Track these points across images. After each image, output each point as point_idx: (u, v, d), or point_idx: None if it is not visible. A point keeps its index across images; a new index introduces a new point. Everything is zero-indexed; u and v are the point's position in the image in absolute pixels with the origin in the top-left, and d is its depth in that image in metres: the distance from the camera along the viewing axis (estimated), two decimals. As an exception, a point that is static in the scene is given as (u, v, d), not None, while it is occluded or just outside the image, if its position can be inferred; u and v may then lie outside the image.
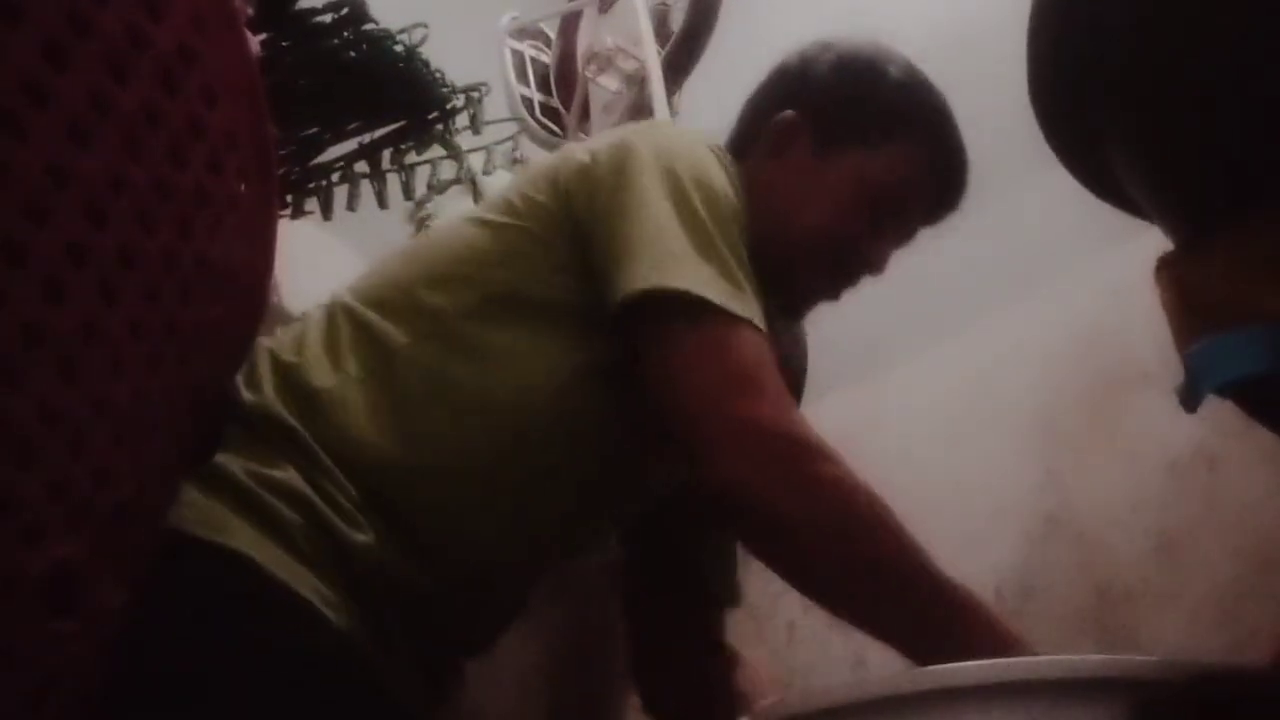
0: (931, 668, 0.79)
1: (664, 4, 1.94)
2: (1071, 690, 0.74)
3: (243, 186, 0.71)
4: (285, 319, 1.89)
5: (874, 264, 1.18)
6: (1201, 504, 1.53)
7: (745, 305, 0.97)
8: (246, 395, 0.95)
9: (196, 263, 0.67)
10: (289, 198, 1.77)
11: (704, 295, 0.94)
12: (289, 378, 0.96)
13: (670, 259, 0.96)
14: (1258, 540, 1.46)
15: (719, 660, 1.22)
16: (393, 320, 1.00)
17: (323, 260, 1.90)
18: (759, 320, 0.97)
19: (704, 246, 0.97)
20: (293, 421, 0.93)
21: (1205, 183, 0.77)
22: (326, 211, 1.81)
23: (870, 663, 1.81)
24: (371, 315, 1.01)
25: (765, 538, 0.95)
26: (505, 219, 1.05)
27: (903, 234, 1.20)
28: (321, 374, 0.97)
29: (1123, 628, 1.56)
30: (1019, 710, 0.74)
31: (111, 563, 0.67)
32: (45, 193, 0.57)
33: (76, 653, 0.66)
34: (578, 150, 1.08)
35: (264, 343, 1.02)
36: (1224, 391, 0.76)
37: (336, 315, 1.03)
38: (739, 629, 1.37)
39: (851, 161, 1.15)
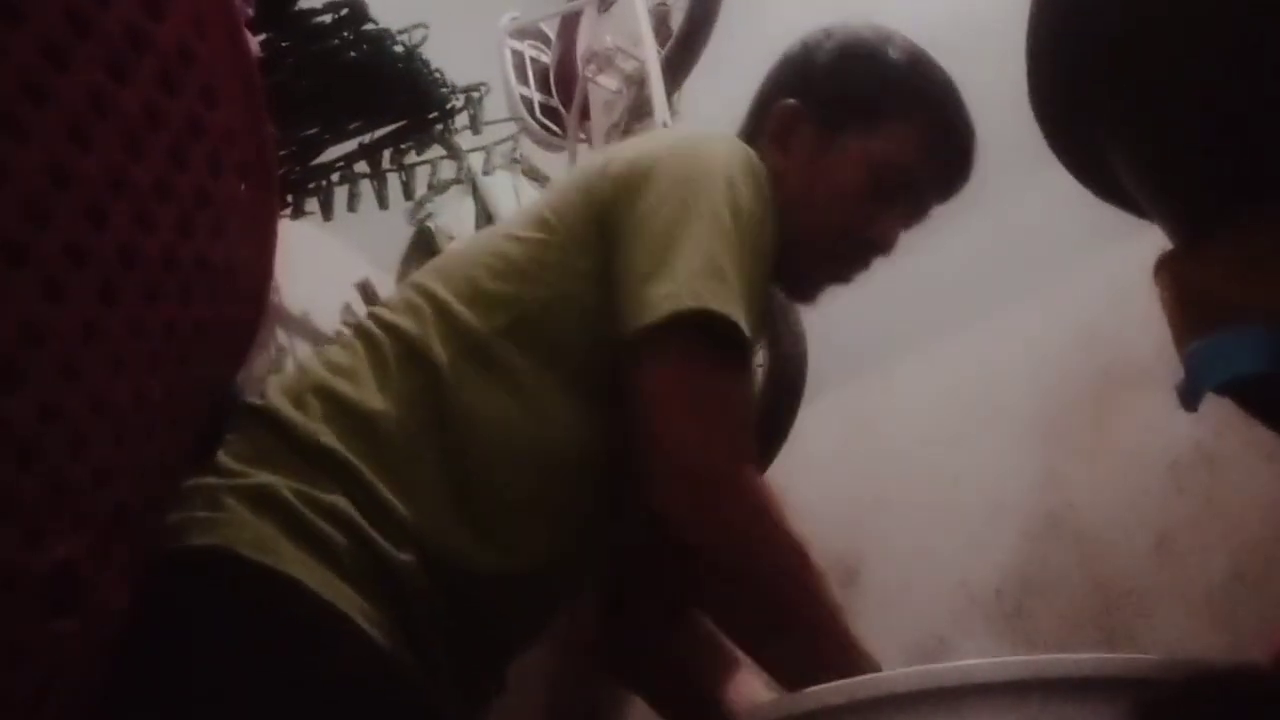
0: (933, 667, 0.79)
1: (664, 4, 1.94)
2: (1071, 689, 0.74)
3: (243, 186, 0.71)
4: (285, 319, 1.90)
5: (882, 245, 1.18)
6: (1201, 503, 1.53)
7: (737, 314, 0.97)
8: (294, 415, 0.96)
9: (197, 263, 0.67)
10: (289, 198, 1.77)
11: (672, 311, 0.95)
12: (337, 401, 0.97)
13: (661, 286, 0.96)
14: (1257, 539, 1.46)
15: (718, 660, 1.22)
16: (435, 335, 1.01)
17: (323, 260, 1.90)
18: (742, 321, 0.97)
19: (700, 260, 0.97)
20: (339, 446, 0.94)
21: (1205, 182, 0.77)
22: (326, 211, 1.81)
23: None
24: (413, 331, 1.01)
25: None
26: (538, 234, 1.06)
27: (913, 212, 1.21)
28: (370, 396, 0.98)
29: (1122, 626, 1.56)
30: (1019, 709, 0.74)
31: (111, 562, 0.67)
32: (45, 193, 0.57)
33: (77, 652, 0.66)
34: (610, 158, 1.08)
35: (309, 364, 1.04)
36: (1223, 390, 0.76)
37: (375, 333, 1.03)
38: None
39: (854, 145, 1.16)
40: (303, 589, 0.85)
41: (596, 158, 1.13)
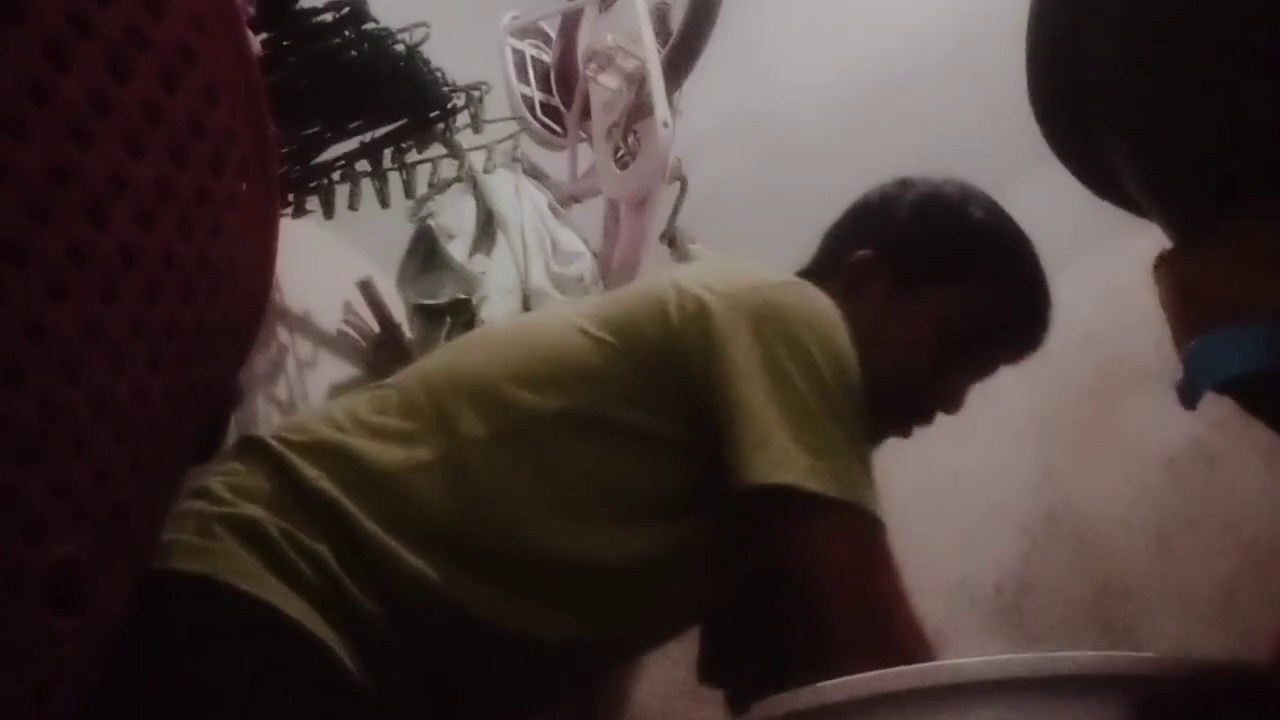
0: (932, 664, 0.79)
1: (664, 3, 1.94)
2: (1070, 687, 0.74)
3: (244, 185, 0.71)
4: (286, 317, 1.90)
5: (949, 403, 1.18)
6: (1200, 501, 1.53)
7: (871, 496, 0.99)
8: (298, 461, 0.97)
9: (198, 262, 0.67)
10: (290, 196, 1.77)
11: (836, 496, 0.96)
12: (347, 453, 0.99)
13: (804, 449, 0.97)
14: (1256, 537, 1.46)
15: None
16: (474, 409, 1.02)
17: (324, 259, 1.90)
18: (878, 504, 1.00)
19: (834, 432, 0.99)
20: (340, 496, 0.96)
21: (1203, 180, 0.77)
22: (328, 210, 1.81)
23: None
24: (454, 399, 1.02)
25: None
26: (607, 337, 1.05)
27: (982, 371, 1.20)
28: (388, 453, 0.99)
29: (1121, 624, 1.57)
30: (1018, 707, 0.74)
31: (112, 562, 0.67)
32: (47, 192, 0.57)
33: (77, 651, 0.66)
34: (692, 284, 1.06)
35: (334, 410, 1.05)
36: (1222, 388, 0.76)
37: (417, 392, 1.04)
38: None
39: (928, 301, 1.15)
40: (282, 615, 0.89)
41: (664, 279, 1.10)
